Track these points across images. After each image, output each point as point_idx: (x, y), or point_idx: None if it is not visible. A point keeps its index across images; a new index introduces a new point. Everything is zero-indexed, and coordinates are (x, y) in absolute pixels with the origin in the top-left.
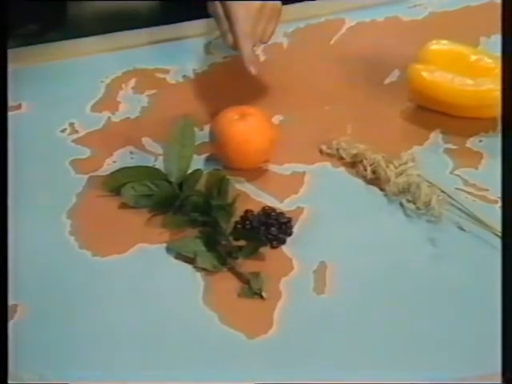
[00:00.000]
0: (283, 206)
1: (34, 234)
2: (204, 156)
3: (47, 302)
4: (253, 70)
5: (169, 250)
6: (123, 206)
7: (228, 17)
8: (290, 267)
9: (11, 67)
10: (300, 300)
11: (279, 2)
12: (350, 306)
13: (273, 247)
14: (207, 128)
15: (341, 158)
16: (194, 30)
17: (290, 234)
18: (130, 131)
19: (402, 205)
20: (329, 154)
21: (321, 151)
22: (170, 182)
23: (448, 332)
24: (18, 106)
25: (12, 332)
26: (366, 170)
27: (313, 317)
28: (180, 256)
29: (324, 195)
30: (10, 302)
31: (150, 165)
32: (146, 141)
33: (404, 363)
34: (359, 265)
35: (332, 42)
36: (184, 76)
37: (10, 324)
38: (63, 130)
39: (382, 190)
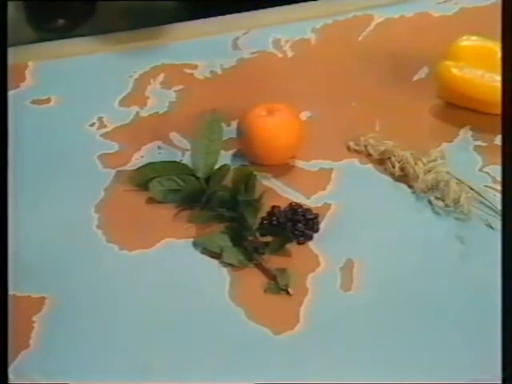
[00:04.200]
0: (310, 202)
1: (63, 227)
2: (231, 152)
3: (74, 295)
4: None
5: (195, 245)
6: (150, 200)
7: None
8: (316, 264)
9: (41, 61)
10: (326, 297)
11: None
12: (376, 304)
13: (299, 243)
14: (234, 124)
15: (369, 155)
16: (222, 26)
17: (316, 231)
18: (158, 126)
19: (430, 202)
20: (356, 151)
21: (348, 148)
22: (197, 178)
23: (477, 331)
24: (47, 100)
25: (38, 324)
26: (394, 166)
27: (339, 314)
28: (206, 251)
29: (351, 192)
30: (38, 294)
31: (178, 160)
32: (174, 136)
33: (432, 363)
34: (386, 262)
35: (360, 38)
36: (212, 71)
37: (37, 316)
38: (92, 125)
39: (410, 187)
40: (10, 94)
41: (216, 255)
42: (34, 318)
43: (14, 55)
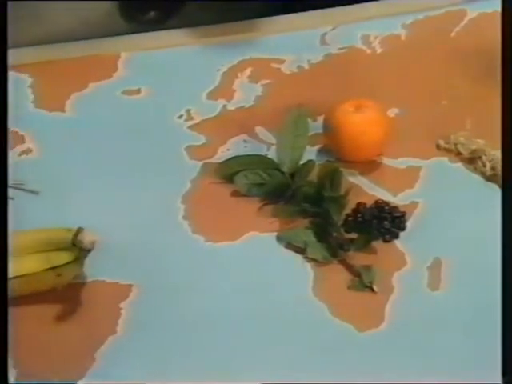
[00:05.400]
0: (397, 200)
1: (151, 216)
2: (317, 147)
3: (160, 284)
4: None
5: (279, 239)
6: (235, 193)
7: None
8: (402, 262)
9: (133, 52)
10: (413, 295)
11: None
12: (465, 304)
13: (385, 241)
14: (321, 119)
15: (458, 154)
16: (311, 21)
17: (403, 229)
18: (244, 120)
19: None
20: (446, 149)
21: (438, 146)
22: (282, 172)
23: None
24: (138, 91)
25: (126, 311)
26: (484, 166)
27: (426, 313)
28: (290, 246)
29: (440, 191)
30: (125, 281)
31: (263, 154)
32: (260, 130)
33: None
34: (475, 262)
35: (452, 33)
36: (299, 66)
37: (125, 303)
38: (180, 117)
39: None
40: (103, 83)
41: (300, 250)
42: (122, 305)
43: (106, 46)
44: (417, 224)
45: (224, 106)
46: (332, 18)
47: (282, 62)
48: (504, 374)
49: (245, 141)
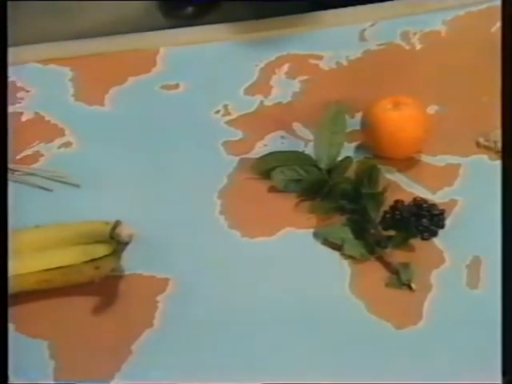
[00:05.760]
0: (436, 197)
1: (188, 210)
2: (354, 144)
3: (196, 278)
4: None
5: (316, 235)
6: (272, 189)
7: None
8: (441, 260)
9: (172, 47)
10: (452, 294)
11: None
12: (505, 303)
13: (423, 239)
14: (358, 116)
15: (498, 151)
16: (349, 17)
17: (442, 227)
18: (282, 116)
19: None
20: (486, 147)
21: (477, 144)
22: (319, 168)
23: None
24: (176, 86)
25: (162, 304)
26: None
27: (465, 312)
28: (327, 242)
29: (480, 188)
30: (162, 275)
31: (300, 150)
32: (297, 126)
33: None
34: None
35: (493, 29)
36: (337, 63)
37: (161, 296)
38: (217, 112)
39: None
40: (142, 78)
41: (337, 247)
42: (158, 298)
43: (146, 41)
44: (456, 222)
45: (261, 101)
46: (372, 13)
47: (320, 58)
48: (504, 373)
49: (282, 137)
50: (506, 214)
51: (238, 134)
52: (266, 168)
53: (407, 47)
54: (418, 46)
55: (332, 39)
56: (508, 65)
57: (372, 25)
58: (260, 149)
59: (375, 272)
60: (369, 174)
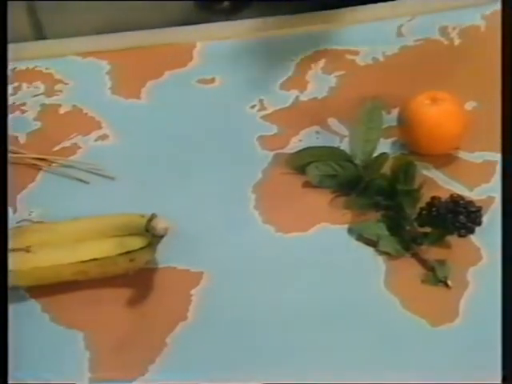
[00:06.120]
0: (473, 194)
1: (222, 204)
2: (390, 140)
3: (229, 272)
4: None
5: (351, 231)
6: (307, 184)
7: None
8: (478, 257)
9: (208, 42)
10: (489, 291)
11: None
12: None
13: (460, 236)
14: (395, 112)
15: None
16: (387, 12)
17: (479, 224)
18: (317, 111)
19: None
20: None
21: None
22: (354, 164)
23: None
24: (212, 80)
25: (196, 298)
26: None
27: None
28: (362, 238)
29: None
30: (196, 269)
31: (335, 146)
32: (332, 121)
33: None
34: None
35: None
36: (373, 58)
37: (195, 290)
38: (252, 106)
39: None
40: (178, 71)
41: (372, 243)
42: (192, 292)
43: (182, 35)
44: (493, 219)
45: (297, 96)
46: (410, 8)
47: (356, 53)
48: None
49: (317, 132)
50: (506, 213)
51: (273, 129)
52: (300, 163)
53: (446, 42)
54: (457, 42)
55: (369, 35)
56: (508, 64)
57: (410, 20)
58: (295, 144)
59: (410, 268)
60: (405, 171)
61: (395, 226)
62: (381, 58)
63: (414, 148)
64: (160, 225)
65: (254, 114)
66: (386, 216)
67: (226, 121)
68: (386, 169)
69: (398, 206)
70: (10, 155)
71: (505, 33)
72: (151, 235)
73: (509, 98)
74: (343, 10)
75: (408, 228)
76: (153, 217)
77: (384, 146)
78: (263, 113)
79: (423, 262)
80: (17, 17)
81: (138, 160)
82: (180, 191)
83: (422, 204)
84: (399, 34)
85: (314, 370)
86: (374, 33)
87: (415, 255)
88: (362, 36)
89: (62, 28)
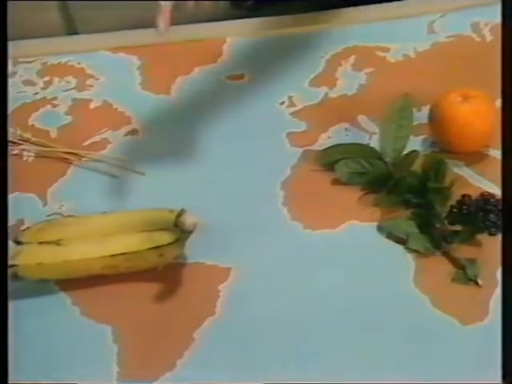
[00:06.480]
0: None
1: (250, 200)
2: (421, 137)
3: (257, 268)
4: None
5: (380, 229)
6: (336, 181)
7: None
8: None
9: (238, 37)
10: None
11: None
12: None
13: (491, 234)
14: (425, 109)
15: None
16: (419, 8)
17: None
18: (347, 108)
19: None
20: None
21: None
22: (384, 162)
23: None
24: (241, 76)
25: (224, 293)
26: None
27: None
28: (391, 236)
29: None
30: (225, 264)
31: (365, 143)
32: (362, 119)
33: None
34: None
35: None
36: (404, 55)
37: (223, 286)
38: (282, 103)
39: None
40: (208, 67)
41: (401, 240)
42: (220, 287)
43: (212, 31)
44: None
45: (326, 93)
46: (441, 5)
47: (387, 50)
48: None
49: (346, 129)
50: (506, 214)
51: (302, 126)
52: (329, 160)
53: (478, 39)
54: (489, 38)
55: (399, 31)
56: (508, 64)
57: (442, 16)
58: (324, 141)
59: (440, 267)
60: (436, 168)
61: (425, 223)
62: (412, 55)
63: (445, 146)
64: (189, 220)
65: (284, 111)
66: (416, 214)
67: (255, 117)
68: (417, 166)
69: (428, 203)
70: (23, 151)
71: (505, 32)
72: (180, 230)
73: (509, 98)
74: (373, 6)
75: (438, 226)
76: (182, 212)
77: (414, 143)
78: (292, 109)
79: (453, 261)
80: (49, 12)
81: (167, 155)
82: (209, 187)
83: (452, 202)
84: (430, 31)
85: (343, 368)
86: (404, 29)
87: (445, 253)
88: (393, 32)
89: (93, 23)
